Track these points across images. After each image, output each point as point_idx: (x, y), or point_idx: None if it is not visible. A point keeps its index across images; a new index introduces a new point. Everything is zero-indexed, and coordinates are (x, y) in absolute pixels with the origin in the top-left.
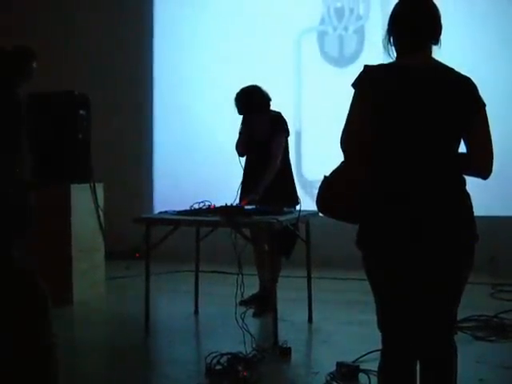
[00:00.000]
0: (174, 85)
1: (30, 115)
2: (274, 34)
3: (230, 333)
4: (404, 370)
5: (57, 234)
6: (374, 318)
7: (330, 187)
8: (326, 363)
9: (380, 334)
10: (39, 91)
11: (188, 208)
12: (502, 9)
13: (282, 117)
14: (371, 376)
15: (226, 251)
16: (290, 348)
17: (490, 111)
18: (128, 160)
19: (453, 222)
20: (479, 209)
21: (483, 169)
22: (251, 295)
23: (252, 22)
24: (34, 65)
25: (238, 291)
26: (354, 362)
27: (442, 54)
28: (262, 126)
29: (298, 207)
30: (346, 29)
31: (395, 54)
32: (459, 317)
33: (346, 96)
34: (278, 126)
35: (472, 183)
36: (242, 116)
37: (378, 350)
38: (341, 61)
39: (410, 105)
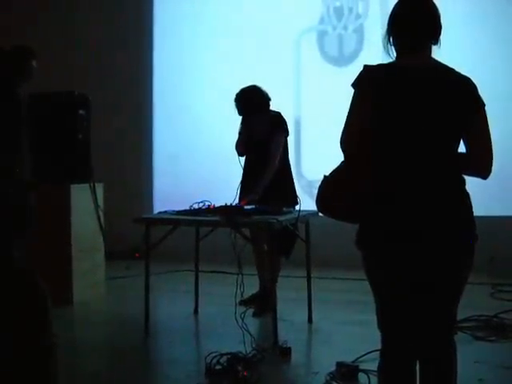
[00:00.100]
0: (174, 85)
1: (30, 115)
2: (273, 34)
3: (229, 333)
4: (404, 369)
5: (57, 233)
6: (374, 318)
7: (329, 187)
8: (326, 363)
9: (380, 333)
10: (39, 91)
11: (188, 208)
12: (501, 9)
13: (282, 117)
14: (371, 376)
15: (226, 251)
16: (289, 348)
17: (489, 111)
18: (128, 160)
19: (452, 221)
20: (479, 209)
21: (483, 169)
22: (251, 295)
23: (252, 21)
24: (34, 64)
25: (238, 291)
26: (353, 361)
27: (442, 54)
28: (261, 126)
29: (297, 207)
30: (345, 28)
31: (395, 54)
32: (459, 317)
33: (345, 95)
34: (277, 125)
35: (472, 183)
36: (241, 116)
37: (377, 350)
38: (340, 60)
39: (410, 105)
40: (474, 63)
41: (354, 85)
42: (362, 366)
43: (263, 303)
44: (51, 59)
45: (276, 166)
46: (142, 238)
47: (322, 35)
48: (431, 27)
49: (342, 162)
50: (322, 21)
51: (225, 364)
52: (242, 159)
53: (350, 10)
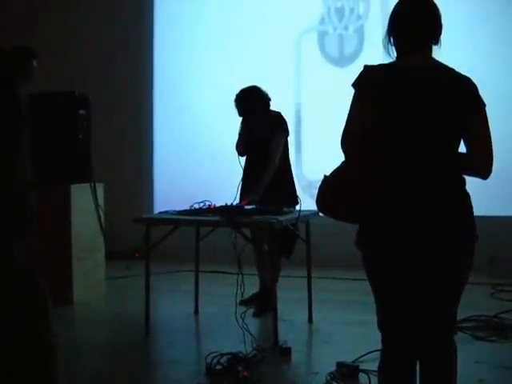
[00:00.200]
0: (174, 85)
1: (31, 115)
2: (274, 34)
3: (230, 333)
4: (404, 370)
5: (57, 233)
6: (374, 318)
7: (330, 187)
8: (326, 363)
9: (380, 334)
10: (39, 91)
11: (188, 208)
12: (502, 9)
13: (282, 117)
14: (371, 376)
15: (226, 251)
16: (290, 348)
17: (490, 111)
18: (128, 160)
19: (453, 222)
20: (479, 209)
21: (483, 169)
22: (251, 295)
23: (252, 22)
24: (35, 64)
25: (238, 291)
26: (353, 361)
27: (442, 53)
28: (261, 126)
29: (297, 207)
30: (346, 28)
31: (395, 54)
32: (459, 317)
33: (346, 96)
34: (277, 125)
35: (472, 183)
36: (241, 117)
37: (377, 350)
38: (341, 60)
39: (411, 105)
40: (475, 63)
41: (354, 85)
42: (363, 366)
43: (263, 303)
44: (51, 59)
45: (276, 166)
46: (143, 237)
47: (322, 35)
48: (432, 27)
49: (343, 162)
50: (322, 21)
51: (225, 364)
52: (242, 159)
53: (351, 10)
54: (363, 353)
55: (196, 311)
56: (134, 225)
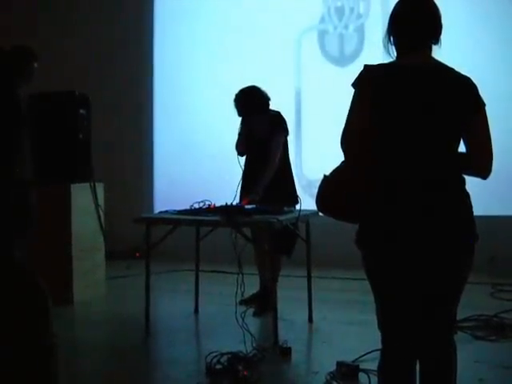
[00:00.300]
0: (174, 85)
1: (31, 115)
2: (274, 33)
3: (230, 332)
4: (404, 369)
5: (57, 233)
6: (374, 317)
7: (329, 186)
8: (326, 363)
9: (380, 333)
10: (39, 91)
11: (188, 207)
12: (502, 8)
13: (282, 116)
14: (371, 375)
15: (226, 251)
16: (290, 347)
17: (489, 111)
18: (128, 160)
19: (452, 221)
20: (479, 208)
21: (483, 168)
22: (251, 294)
23: (252, 21)
24: (35, 65)
25: (238, 290)
26: (353, 361)
27: (442, 53)
28: (261, 126)
29: (298, 207)
30: (346, 27)
31: (395, 54)
32: (459, 316)
33: (346, 95)
34: (277, 125)
35: (472, 183)
36: (241, 117)
37: (377, 350)
38: (341, 59)
39: (410, 104)
40: (475, 63)
41: (354, 84)
42: (363, 366)
43: (263, 303)
44: (51, 59)
45: (276, 166)
46: (143, 237)
47: (322, 34)
48: (432, 27)
49: (343, 162)
50: (322, 20)
51: (225, 363)
52: (242, 159)
53: (351, 9)
54: (363, 352)
55: (196, 311)
56: (134, 224)
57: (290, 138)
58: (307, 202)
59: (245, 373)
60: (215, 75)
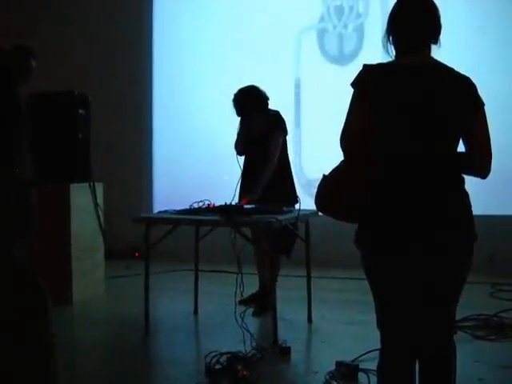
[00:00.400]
0: (174, 85)
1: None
2: (273, 33)
3: (229, 332)
4: (403, 369)
5: (56, 233)
6: (374, 317)
7: (329, 186)
8: (326, 362)
9: (379, 333)
10: (39, 91)
11: (187, 207)
12: (502, 8)
13: (280, 116)
14: (370, 375)
15: (226, 250)
16: (289, 347)
17: (488, 111)
18: (127, 160)
19: (452, 221)
20: (478, 208)
21: (482, 168)
22: (251, 294)
23: (252, 20)
24: (33, 63)
25: (238, 290)
26: (353, 361)
27: (442, 53)
28: (260, 126)
29: (297, 206)
30: (345, 27)
31: (394, 53)
32: (459, 316)
33: (346, 94)
34: (276, 125)
35: (471, 182)
36: (239, 117)
37: (377, 350)
38: (341, 59)
39: (410, 104)
40: (475, 63)
41: (353, 84)
42: (362, 366)
43: (263, 302)
44: (51, 59)
45: (275, 165)
46: (142, 237)
47: (322, 34)
48: (431, 26)
49: (342, 162)
50: (322, 19)
51: (224, 363)
52: (241, 159)
53: (351, 8)
54: (362, 352)
55: (195, 311)
56: (133, 224)
57: (290, 138)
58: (306, 201)
59: (244, 372)
60: (215, 75)
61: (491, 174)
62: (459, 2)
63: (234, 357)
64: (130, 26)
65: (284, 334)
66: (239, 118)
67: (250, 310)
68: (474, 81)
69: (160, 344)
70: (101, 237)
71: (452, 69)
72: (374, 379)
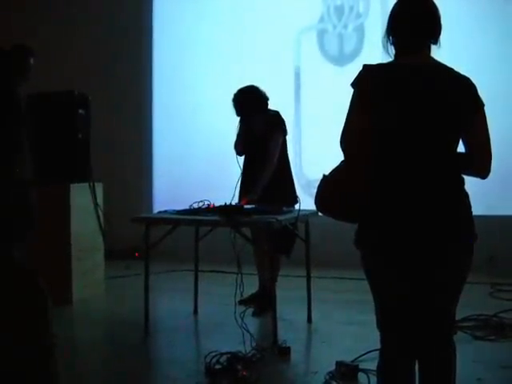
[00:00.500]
0: (174, 84)
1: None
2: (273, 32)
3: (229, 332)
4: (403, 369)
5: (56, 233)
6: (373, 317)
7: (328, 186)
8: (325, 362)
9: (379, 333)
10: (39, 91)
11: (187, 207)
12: (501, 9)
13: (280, 116)
14: (370, 375)
15: (225, 250)
16: (289, 347)
17: (488, 111)
18: (127, 160)
19: (452, 221)
20: (478, 208)
21: (482, 168)
22: (250, 294)
23: (251, 20)
24: (32, 61)
25: (238, 290)
26: (353, 361)
27: (442, 53)
28: (259, 126)
29: (297, 206)
30: (345, 27)
31: (394, 53)
32: (458, 316)
33: (345, 94)
34: (275, 125)
35: (471, 182)
36: (239, 117)
37: (377, 350)
38: (340, 59)
39: (409, 104)
40: (474, 62)
41: (353, 84)
42: (362, 366)
43: (263, 303)
44: (51, 59)
45: (274, 165)
46: (142, 237)
47: (322, 34)
48: (431, 27)
49: (342, 162)
50: (322, 19)
51: (224, 363)
52: (240, 159)
53: (351, 8)
54: (362, 352)
55: (195, 311)
56: (133, 224)
57: (289, 138)
58: (306, 201)
59: (244, 373)
60: (214, 75)
61: (491, 174)
62: (459, 2)
63: (234, 357)
64: (130, 26)
65: (284, 334)
66: (239, 118)
67: (250, 310)
68: (474, 81)
69: (160, 344)
70: (101, 237)
71: (452, 69)
72: (373, 379)
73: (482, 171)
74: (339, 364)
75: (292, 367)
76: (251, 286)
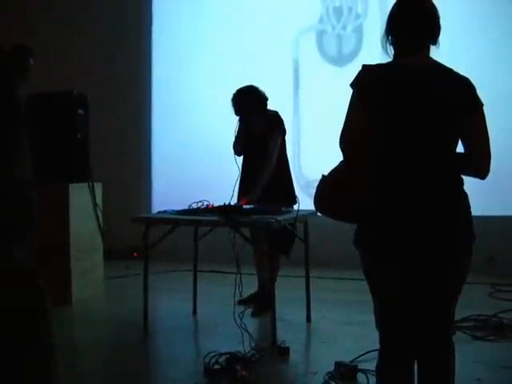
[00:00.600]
0: (173, 85)
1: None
2: (272, 33)
3: (228, 332)
4: (402, 369)
5: (56, 233)
6: (372, 317)
7: (328, 187)
8: (325, 363)
9: (378, 333)
10: (39, 91)
11: (187, 207)
12: (501, 9)
13: (279, 116)
14: (369, 376)
15: (225, 251)
16: (288, 347)
17: (487, 111)
18: (127, 160)
19: (451, 221)
20: (477, 208)
21: (481, 169)
22: (250, 295)
23: (251, 21)
24: (31, 61)
25: (237, 291)
26: (352, 361)
27: (442, 53)
28: (258, 126)
29: (296, 206)
30: (344, 28)
31: (393, 54)
32: (458, 316)
33: (345, 95)
34: (274, 125)
35: (470, 183)
36: (238, 116)
37: (376, 350)
38: (339, 60)
39: (409, 104)
40: (473, 63)
41: (352, 85)
42: (361, 366)
43: (262, 303)
44: (51, 59)
45: (273, 166)
46: (141, 237)
47: (321, 35)
48: (430, 27)
49: (341, 162)
50: (321, 20)
51: (223, 363)
52: (239, 159)
53: (350, 9)
54: (362, 352)
55: (194, 311)
56: (132, 224)
57: (289, 138)
58: (305, 202)
59: (243, 373)
60: (214, 75)
61: (491, 174)
62: (459, 2)
63: (233, 357)
64: (130, 26)
65: (283, 335)
66: (238, 119)
67: (249, 310)
68: (473, 81)
69: (159, 344)
70: (100, 237)
71: (451, 69)
72: (372, 380)
73: (481, 171)
74: (338, 364)
75: (291, 367)
76: (250, 286)
